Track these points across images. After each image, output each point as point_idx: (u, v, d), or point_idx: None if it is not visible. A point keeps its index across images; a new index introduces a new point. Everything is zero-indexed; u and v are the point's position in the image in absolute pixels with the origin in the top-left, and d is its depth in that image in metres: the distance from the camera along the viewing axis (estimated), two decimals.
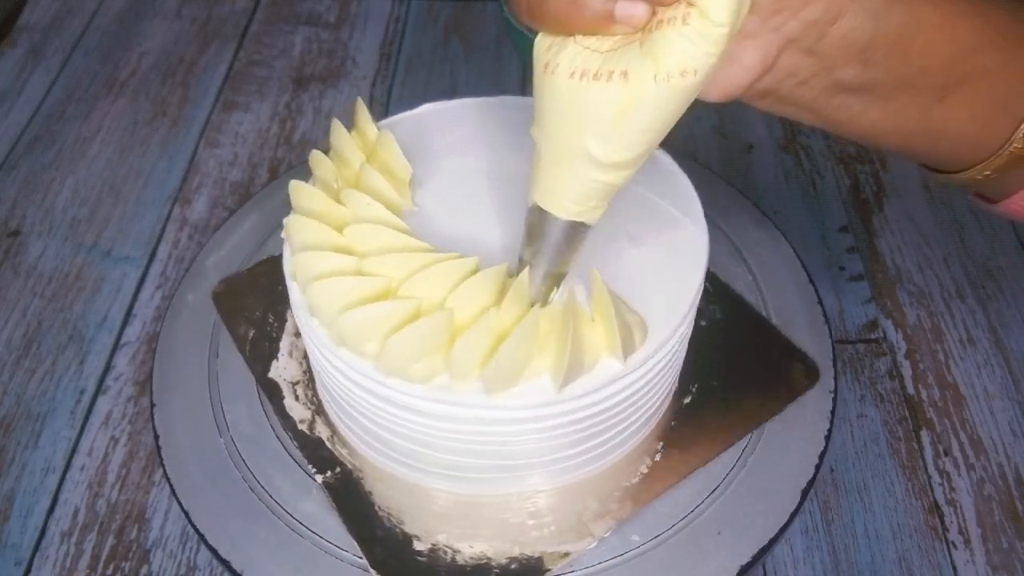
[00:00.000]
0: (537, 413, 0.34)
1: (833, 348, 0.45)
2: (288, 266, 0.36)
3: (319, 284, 0.34)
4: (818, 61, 0.29)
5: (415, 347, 0.32)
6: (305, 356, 0.43)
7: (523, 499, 0.38)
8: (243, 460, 0.40)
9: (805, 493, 0.39)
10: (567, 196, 0.31)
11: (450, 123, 0.43)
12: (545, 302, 0.34)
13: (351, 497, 0.38)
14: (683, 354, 0.39)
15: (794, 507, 0.38)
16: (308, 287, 0.34)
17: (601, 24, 0.27)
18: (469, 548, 0.37)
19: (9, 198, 0.64)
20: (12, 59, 0.75)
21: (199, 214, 0.62)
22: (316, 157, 0.39)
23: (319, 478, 0.39)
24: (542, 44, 0.29)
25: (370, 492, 0.38)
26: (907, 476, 0.48)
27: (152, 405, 0.43)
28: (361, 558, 0.37)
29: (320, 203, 0.36)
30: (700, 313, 0.39)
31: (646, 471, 0.39)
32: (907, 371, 0.52)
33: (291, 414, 0.41)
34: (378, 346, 0.33)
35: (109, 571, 0.44)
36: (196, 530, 0.38)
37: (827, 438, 0.41)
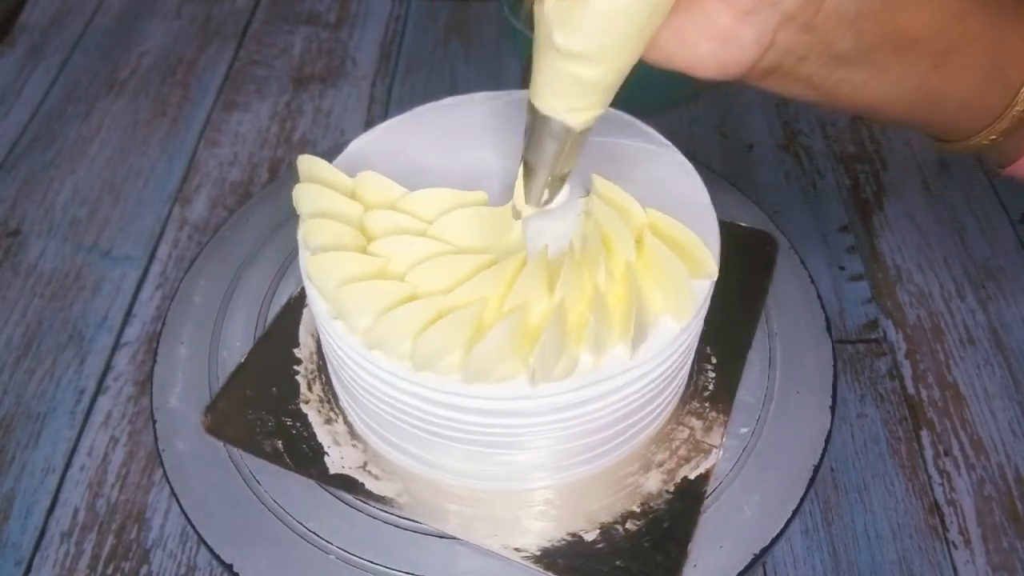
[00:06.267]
0: (674, 347, 0.35)
1: (833, 348, 0.45)
2: (355, 342, 0.35)
3: (387, 317, 0.33)
4: (814, 36, 0.30)
5: (554, 348, 0.32)
6: (355, 437, 0.41)
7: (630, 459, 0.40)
8: (290, 515, 0.39)
9: (805, 493, 0.39)
10: (549, 92, 0.31)
11: (413, 135, 0.43)
12: (548, 201, 0.35)
13: None
14: None
15: (794, 507, 0.38)
16: (375, 321, 0.34)
17: None
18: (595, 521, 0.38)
19: (9, 198, 0.64)
20: (12, 59, 0.75)
21: (199, 214, 0.62)
22: (314, 227, 0.36)
23: (460, 533, 0.38)
24: None
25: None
26: (907, 476, 0.48)
27: (152, 406, 0.43)
28: (363, 559, 0.37)
29: (362, 266, 0.35)
30: None
31: (715, 375, 0.42)
32: (907, 371, 0.52)
33: (384, 494, 0.39)
34: (461, 357, 0.33)
35: (109, 571, 0.44)
36: (196, 531, 0.38)
37: (827, 438, 0.41)
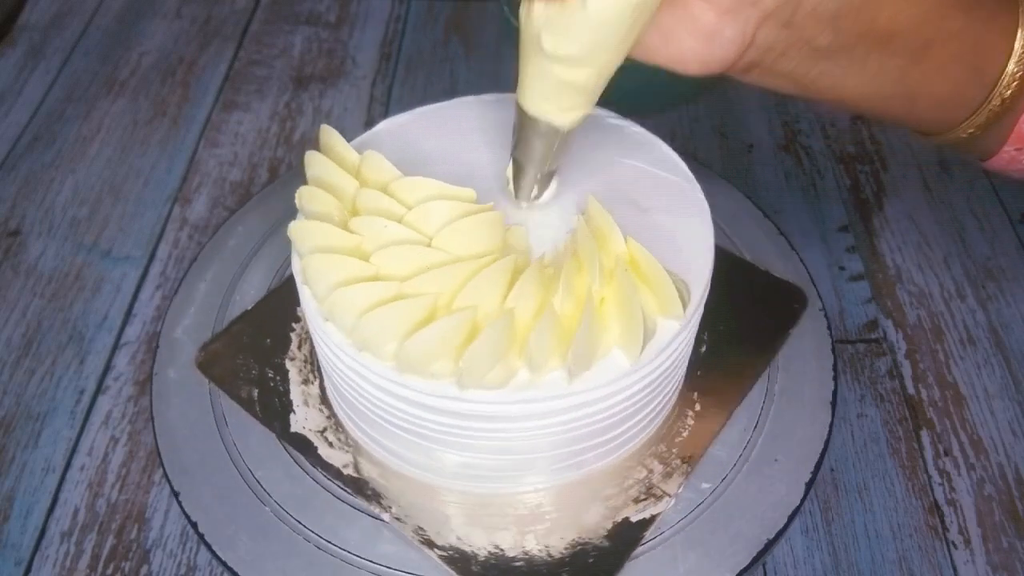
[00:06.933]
0: (621, 384, 0.34)
1: (833, 348, 0.45)
2: (314, 308, 0.36)
3: (339, 291, 0.34)
4: (794, 32, 0.31)
5: (489, 355, 0.32)
6: (324, 402, 0.42)
7: (582, 482, 0.39)
8: (243, 461, 0.40)
9: (805, 493, 0.39)
10: (537, 93, 0.32)
11: (441, 125, 0.43)
12: (537, 197, 0.37)
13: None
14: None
15: (794, 507, 0.38)
16: (329, 294, 0.34)
17: None
18: (559, 540, 0.38)
19: (9, 198, 0.64)
20: (12, 59, 0.75)
21: (199, 214, 0.62)
22: (307, 193, 0.37)
23: (386, 517, 0.38)
24: None
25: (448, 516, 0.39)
26: (907, 476, 0.48)
27: (152, 407, 0.43)
28: (294, 518, 0.38)
29: (335, 239, 0.36)
30: None
31: (693, 423, 0.41)
32: (907, 371, 0.52)
33: (331, 463, 0.40)
34: (451, 363, 0.33)
35: (109, 571, 0.44)
36: (196, 531, 0.38)
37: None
